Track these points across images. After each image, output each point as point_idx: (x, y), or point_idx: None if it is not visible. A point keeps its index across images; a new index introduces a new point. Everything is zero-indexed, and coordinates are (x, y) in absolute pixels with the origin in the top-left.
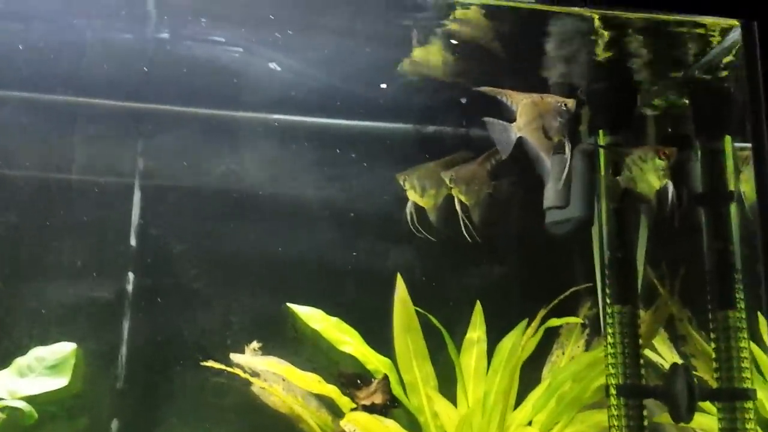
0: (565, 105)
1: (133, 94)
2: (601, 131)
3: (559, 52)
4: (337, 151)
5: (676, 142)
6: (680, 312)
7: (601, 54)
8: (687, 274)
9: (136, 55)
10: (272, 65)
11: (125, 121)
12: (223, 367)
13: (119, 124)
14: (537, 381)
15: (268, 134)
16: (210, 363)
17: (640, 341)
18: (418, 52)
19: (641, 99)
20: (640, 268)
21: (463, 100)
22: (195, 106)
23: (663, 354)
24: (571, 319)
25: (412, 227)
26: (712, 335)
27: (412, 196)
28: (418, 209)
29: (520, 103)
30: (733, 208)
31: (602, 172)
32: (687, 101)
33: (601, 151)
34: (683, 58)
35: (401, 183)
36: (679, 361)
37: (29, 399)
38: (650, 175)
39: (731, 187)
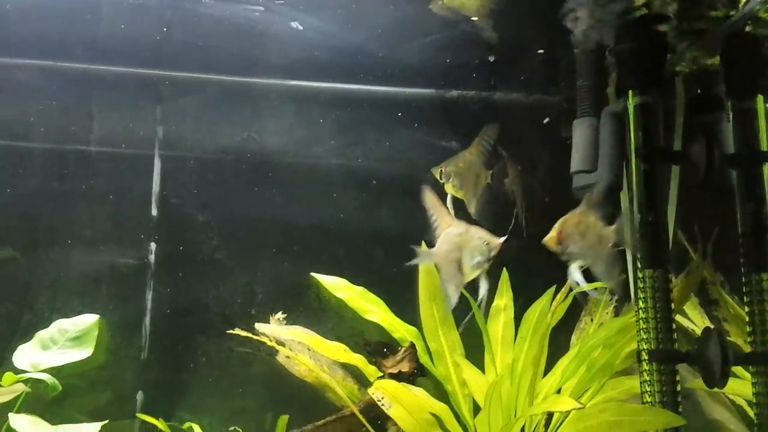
0: (488, 243)
1: (151, 60)
2: (630, 92)
3: (587, 10)
4: (360, 116)
5: (707, 102)
6: (713, 275)
7: (631, 11)
8: (719, 237)
9: (154, 18)
10: (294, 24)
11: (144, 88)
12: (248, 334)
13: (137, 92)
14: (565, 349)
15: (289, 100)
16: (236, 331)
17: (672, 305)
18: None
19: (671, 58)
20: (671, 231)
21: (491, 59)
22: (215, 72)
23: (694, 320)
24: (602, 284)
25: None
26: (746, 299)
27: (451, 189)
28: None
29: (445, 228)
30: (767, 169)
31: (632, 135)
32: (718, 60)
33: (631, 114)
34: (714, 15)
35: (438, 177)
36: (712, 326)
37: (53, 371)
38: None
39: (764, 148)
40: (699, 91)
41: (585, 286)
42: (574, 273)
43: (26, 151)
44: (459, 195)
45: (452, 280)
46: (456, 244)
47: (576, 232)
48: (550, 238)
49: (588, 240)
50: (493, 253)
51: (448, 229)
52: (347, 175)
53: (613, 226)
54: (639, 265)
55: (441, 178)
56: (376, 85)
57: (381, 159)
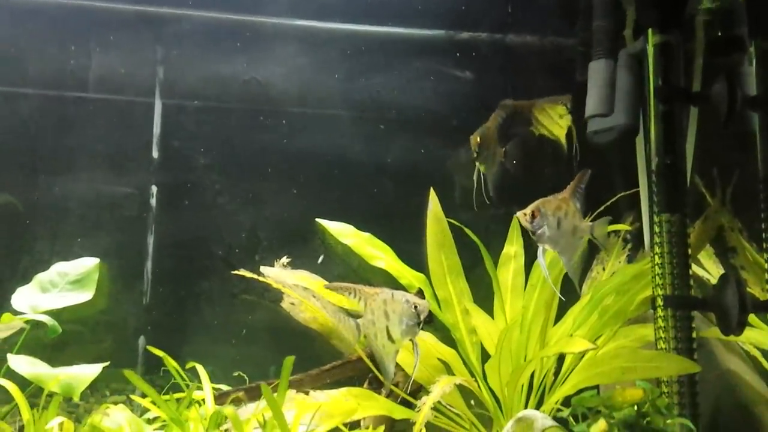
0: (416, 306)
1: None
2: (649, 30)
3: None
4: (368, 57)
5: (730, 43)
6: (731, 222)
7: None
8: (739, 182)
9: None
10: None
11: (144, 26)
12: (253, 275)
13: (137, 30)
14: (577, 297)
15: (294, 40)
16: (240, 272)
17: (689, 251)
18: None
19: None
20: (688, 175)
21: None
22: (217, 10)
23: (709, 269)
24: (619, 227)
25: (486, 199)
26: (765, 245)
27: (483, 167)
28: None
29: (369, 298)
30: None
31: (650, 77)
32: None
33: (650, 54)
34: None
35: (474, 148)
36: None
37: (53, 314)
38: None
39: None
40: (720, 32)
41: (546, 273)
42: (540, 256)
43: (23, 92)
44: (482, 168)
45: (384, 350)
46: (382, 312)
47: (552, 216)
48: (523, 213)
49: (562, 228)
50: (423, 315)
51: (372, 297)
52: (353, 118)
53: (589, 222)
54: (655, 209)
55: (475, 150)
56: (384, 25)
57: (388, 102)
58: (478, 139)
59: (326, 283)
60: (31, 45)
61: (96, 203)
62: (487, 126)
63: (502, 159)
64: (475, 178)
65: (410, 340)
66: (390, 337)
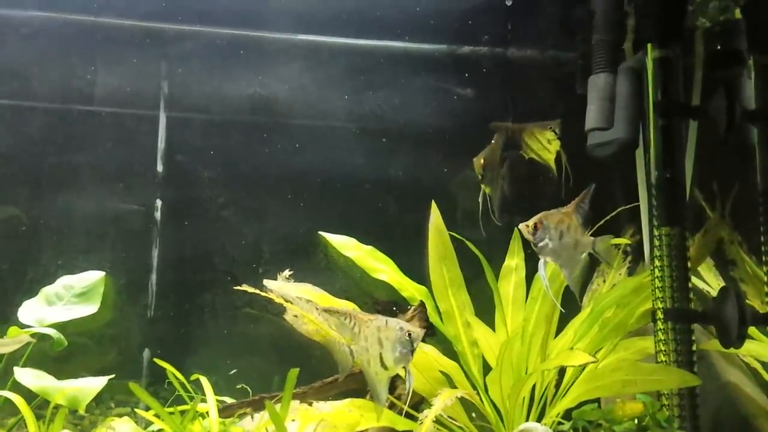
0: (409, 334)
1: (156, 13)
2: (649, 45)
3: None
4: (370, 72)
5: (728, 57)
6: (731, 235)
7: None
8: (738, 195)
9: None
10: None
11: (149, 42)
12: (256, 291)
13: (142, 46)
14: (577, 310)
15: (297, 54)
16: (243, 287)
17: (689, 264)
18: None
19: (692, 10)
20: (688, 188)
21: (509, 2)
22: (221, 26)
23: (709, 281)
24: (621, 240)
25: (495, 219)
26: (765, 258)
27: (488, 189)
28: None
29: (363, 325)
30: None
31: (650, 91)
32: (740, 13)
33: (650, 68)
34: None
35: (479, 172)
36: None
37: (58, 327)
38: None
39: None
40: (719, 46)
41: (546, 285)
42: (541, 268)
43: (30, 106)
44: (487, 190)
45: (376, 378)
46: (375, 339)
47: (554, 230)
48: (525, 225)
49: (564, 241)
50: (416, 344)
51: (366, 324)
52: (355, 132)
53: (592, 238)
54: (655, 222)
55: (480, 172)
56: (386, 40)
57: (390, 117)
58: (482, 161)
59: (331, 297)
60: (38, 60)
61: (101, 217)
62: (490, 148)
63: (502, 180)
64: (480, 199)
65: (403, 367)
66: (383, 364)
